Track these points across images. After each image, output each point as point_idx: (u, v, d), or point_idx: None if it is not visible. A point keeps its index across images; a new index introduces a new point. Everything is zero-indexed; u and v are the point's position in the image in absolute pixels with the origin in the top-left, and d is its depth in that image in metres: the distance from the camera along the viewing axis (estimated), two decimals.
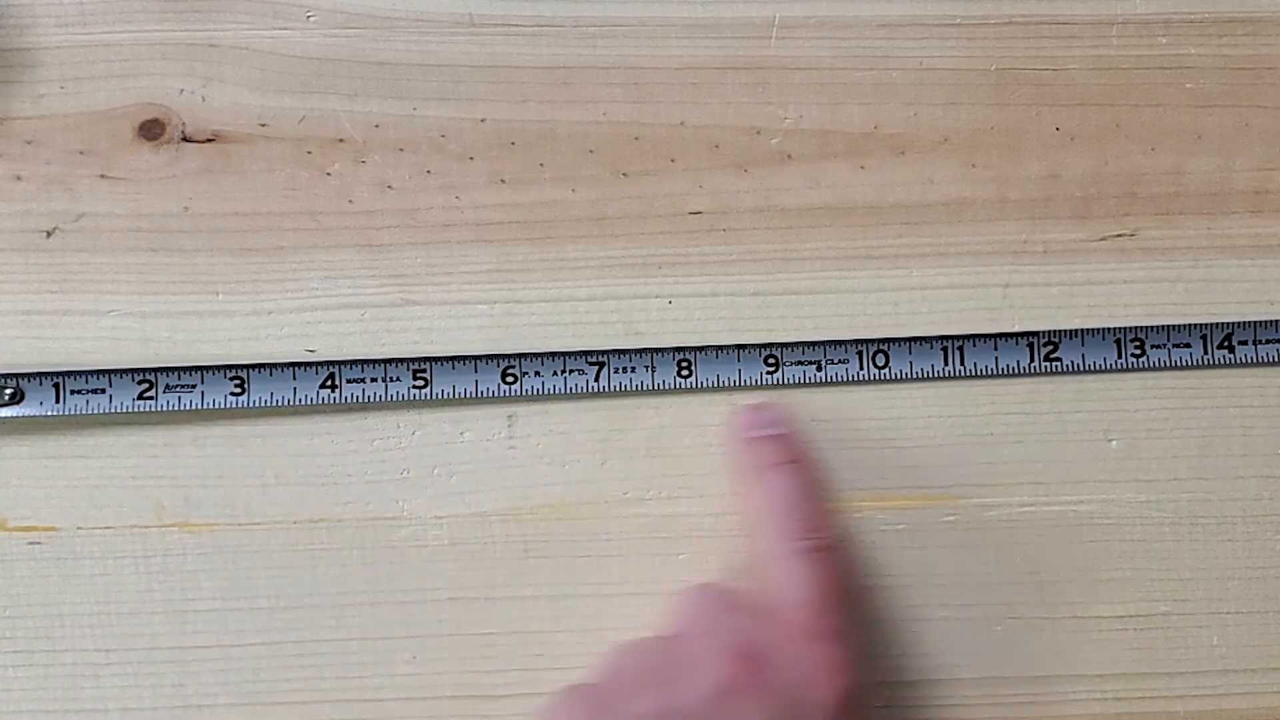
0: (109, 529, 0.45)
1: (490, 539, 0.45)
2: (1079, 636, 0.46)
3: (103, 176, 0.45)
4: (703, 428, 0.46)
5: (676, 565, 0.46)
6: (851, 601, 0.43)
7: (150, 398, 0.44)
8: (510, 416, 0.46)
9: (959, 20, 0.46)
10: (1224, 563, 0.46)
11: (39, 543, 0.45)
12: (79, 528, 0.45)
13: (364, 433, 0.45)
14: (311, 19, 0.46)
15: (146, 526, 0.45)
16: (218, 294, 0.45)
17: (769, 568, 0.43)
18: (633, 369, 0.45)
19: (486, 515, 0.45)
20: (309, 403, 0.45)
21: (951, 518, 0.46)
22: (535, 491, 0.46)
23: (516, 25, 0.46)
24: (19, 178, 0.45)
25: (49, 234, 0.45)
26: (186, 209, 0.45)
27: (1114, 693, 0.46)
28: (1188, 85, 0.47)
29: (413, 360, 0.45)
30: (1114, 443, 0.46)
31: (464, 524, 0.45)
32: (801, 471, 0.44)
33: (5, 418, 0.44)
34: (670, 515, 0.46)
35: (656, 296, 0.46)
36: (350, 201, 0.46)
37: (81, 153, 0.45)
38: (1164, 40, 0.47)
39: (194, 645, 0.45)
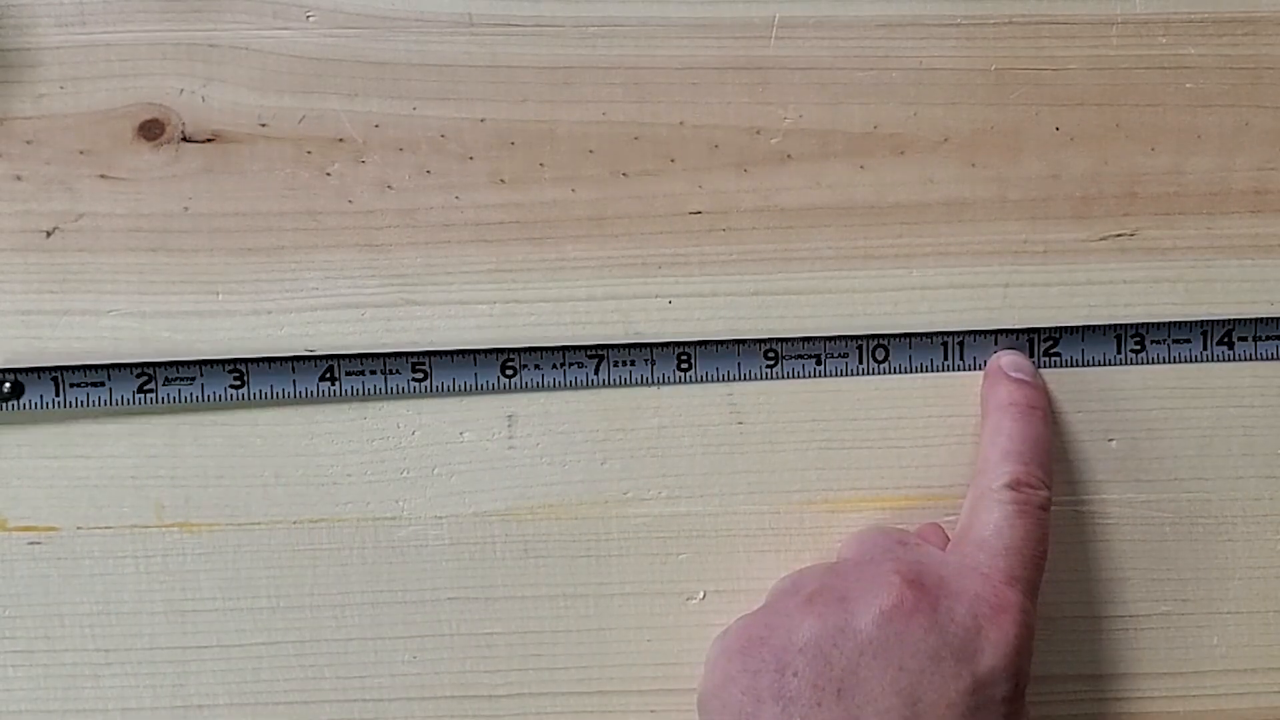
0: (109, 529, 0.45)
1: (490, 539, 0.45)
2: (1079, 636, 0.46)
3: (103, 176, 0.45)
4: (703, 428, 0.46)
5: (676, 565, 0.46)
6: (1042, 570, 0.42)
7: (150, 391, 0.44)
8: (510, 417, 0.46)
9: (959, 20, 0.46)
10: (1224, 563, 0.46)
11: (39, 543, 0.45)
12: (79, 528, 0.45)
13: (364, 433, 0.45)
14: (311, 19, 0.46)
15: (146, 526, 0.45)
16: (218, 294, 0.45)
17: (978, 506, 0.43)
18: (632, 362, 0.45)
19: (486, 515, 0.45)
20: (308, 396, 0.45)
21: (952, 518, 0.46)
22: (535, 491, 0.46)
23: (516, 25, 0.46)
24: (19, 178, 0.45)
25: (49, 234, 0.45)
26: (186, 209, 0.45)
27: (1114, 693, 0.46)
28: (1188, 85, 0.47)
29: (412, 354, 0.45)
30: (1114, 443, 0.46)
31: (464, 524, 0.45)
32: (1044, 424, 0.44)
33: (5, 411, 0.44)
34: (670, 515, 0.46)
35: (656, 296, 0.46)
36: (350, 201, 0.46)
37: (81, 153, 0.45)
38: (1164, 40, 0.47)
39: (194, 645, 0.45)
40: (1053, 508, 0.44)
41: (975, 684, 0.39)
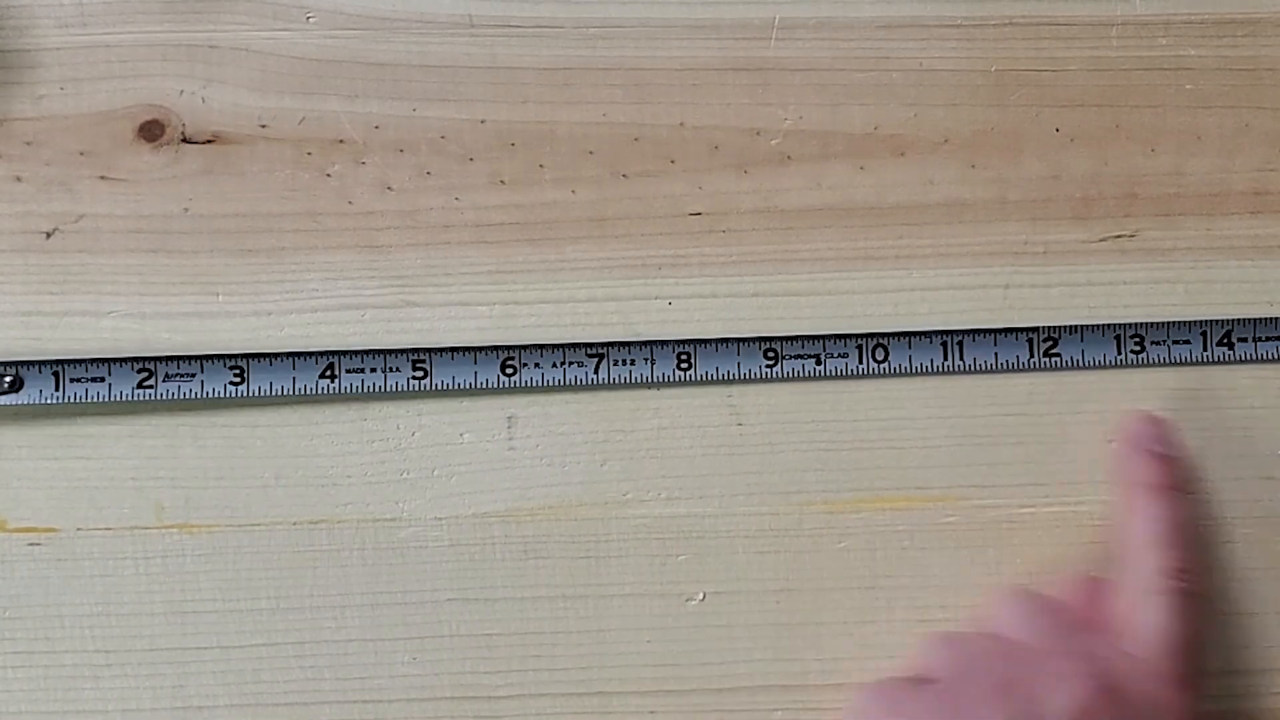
0: (109, 529, 0.45)
1: (490, 540, 0.45)
2: None
3: (103, 177, 0.45)
4: (703, 429, 0.46)
5: (676, 566, 0.46)
6: (1204, 654, 0.42)
7: (150, 387, 0.44)
8: (510, 418, 0.46)
9: (959, 21, 0.46)
10: (1224, 564, 0.46)
11: (39, 543, 0.45)
12: (79, 528, 0.45)
13: (364, 434, 0.45)
14: (311, 20, 0.46)
15: (146, 527, 0.45)
16: (218, 295, 0.45)
17: (1133, 599, 0.42)
18: (632, 361, 0.45)
19: (486, 516, 0.45)
20: (308, 392, 0.45)
21: (951, 518, 0.46)
22: (535, 492, 0.46)
23: (516, 26, 0.46)
24: (19, 179, 0.45)
25: (49, 235, 0.45)
26: (186, 210, 0.45)
27: None
28: (1187, 86, 0.47)
29: (412, 351, 0.45)
30: (1114, 443, 0.46)
31: (464, 525, 0.45)
32: (1185, 504, 0.43)
33: (4, 405, 0.44)
34: (670, 515, 0.46)
35: (656, 298, 0.46)
36: (350, 202, 0.46)
37: (81, 154, 0.45)
38: (1164, 41, 0.47)
39: (194, 646, 0.45)
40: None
41: None
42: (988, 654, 0.41)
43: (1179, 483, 0.44)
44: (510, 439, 0.45)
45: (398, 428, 0.45)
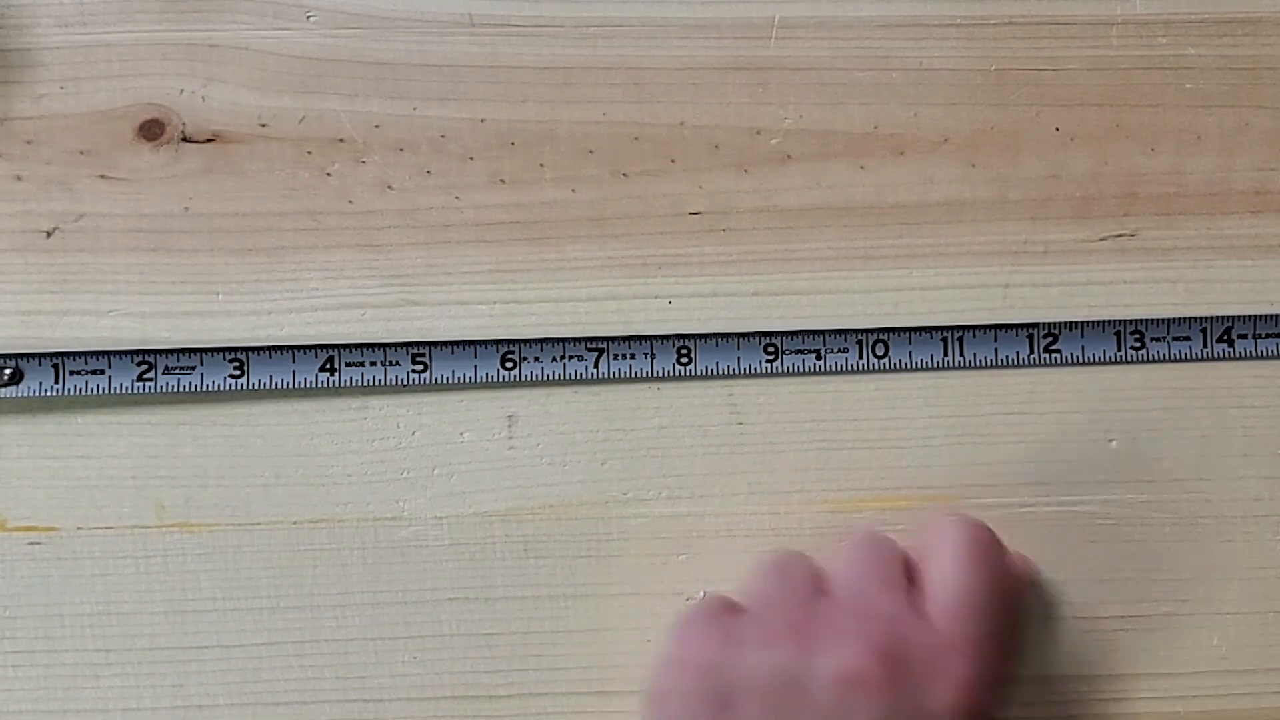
0: (109, 529, 0.45)
1: (490, 539, 0.45)
2: (1079, 636, 0.46)
3: (103, 176, 0.45)
4: (703, 428, 0.46)
5: (676, 565, 0.46)
6: (1008, 626, 0.42)
7: (149, 379, 0.44)
8: (510, 417, 0.46)
9: (959, 20, 0.46)
10: (1224, 563, 0.46)
11: (39, 543, 0.45)
12: (79, 528, 0.45)
13: (364, 433, 0.45)
14: (311, 19, 0.46)
15: (146, 526, 0.45)
16: (218, 294, 0.45)
17: (937, 557, 0.42)
18: (632, 356, 0.45)
19: (487, 515, 0.45)
20: (308, 386, 0.45)
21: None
22: (535, 491, 0.46)
23: (516, 25, 0.46)
24: (19, 178, 0.45)
25: (49, 234, 0.45)
26: (186, 209, 0.45)
27: (1114, 693, 0.46)
28: (1188, 85, 0.47)
29: (412, 344, 0.45)
30: (1114, 443, 0.46)
31: (464, 524, 0.45)
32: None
33: (5, 399, 0.44)
34: (670, 515, 0.46)
35: (656, 297, 0.46)
36: (350, 202, 0.46)
37: (81, 153, 0.45)
38: (1164, 40, 0.47)
39: (194, 645, 0.45)
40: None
41: None
42: (791, 592, 0.41)
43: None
44: (510, 438, 0.45)
45: (398, 426, 0.45)
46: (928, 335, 0.46)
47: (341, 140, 0.46)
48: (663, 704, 0.41)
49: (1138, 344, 0.46)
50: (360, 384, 0.45)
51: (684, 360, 0.45)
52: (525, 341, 0.45)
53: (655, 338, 0.46)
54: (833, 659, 0.39)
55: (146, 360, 0.44)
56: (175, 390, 0.44)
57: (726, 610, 0.42)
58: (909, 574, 0.42)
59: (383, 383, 0.45)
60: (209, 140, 0.45)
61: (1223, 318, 0.46)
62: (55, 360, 0.44)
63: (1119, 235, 0.46)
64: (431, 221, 0.46)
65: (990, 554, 0.42)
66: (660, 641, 0.42)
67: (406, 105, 0.46)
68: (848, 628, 0.40)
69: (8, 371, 0.44)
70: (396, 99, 0.46)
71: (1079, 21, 0.47)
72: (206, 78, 0.45)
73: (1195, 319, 0.46)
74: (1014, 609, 0.43)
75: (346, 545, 0.45)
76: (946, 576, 0.41)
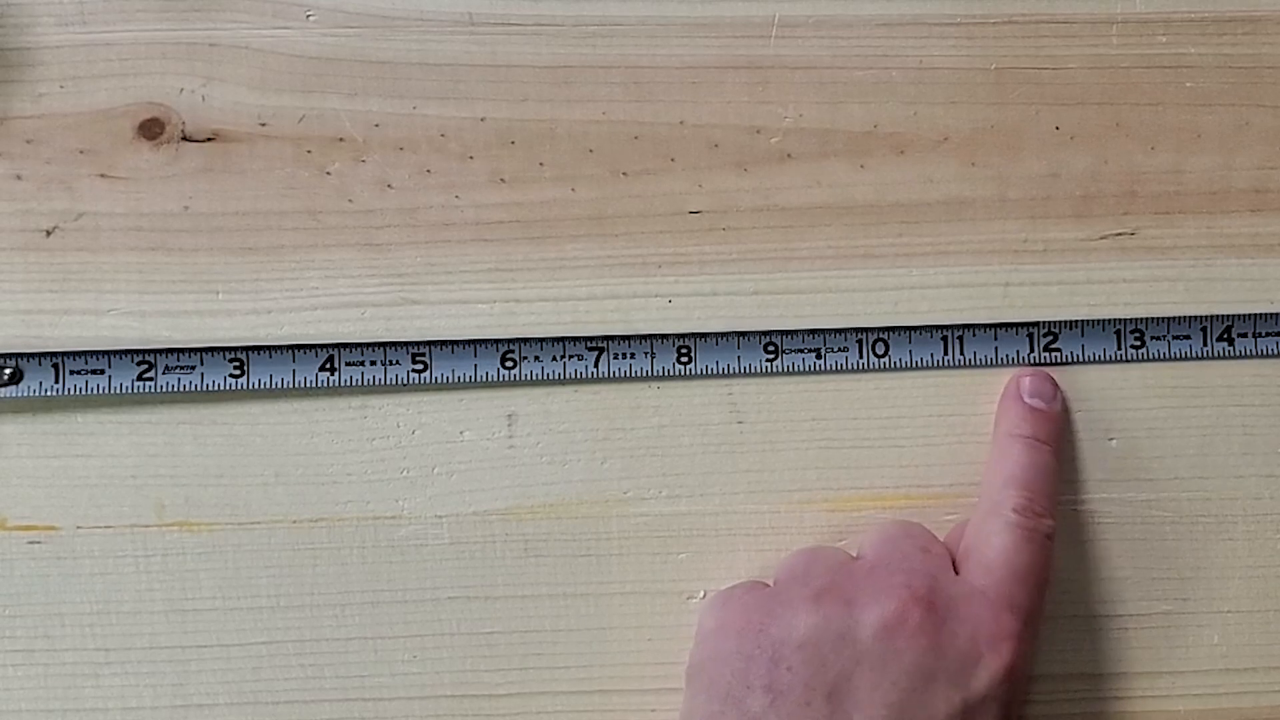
0: (109, 529, 0.45)
1: (490, 538, 0.45)
2: (1079, 636, 0.46)
3: (103, 176, 0.45)
4: (703, 427, 0.46)
5: (676, 565, 0.46)
6: (1043, 597, 0.43)
7: (150, 379, 0.44)
8: (510, 416, 0.46)
9: (959, 20, 0.46)
10: (1224, 562, 0.46)
11: (39, 542, 0.45)
12: (79, 527, 0.45)
13: (364, 432, 0.45)
14: (311, 18, 0.46)
15: (146, 526, 0.45)
16: (218, 293, 0.45)
17: (983, 529, 0.43)
18: (632, 355, 0.45)
19: (487, 514, 0.45)
20: (308, 385, 0.45)
21: (952, 518, 0.46)
22: (535, 491, 0.46)
23: (516, 25, 0.46)
24: (19, 177, 0.45)
25: (49, 233, 0.45)
26: (186, 208, 0.45)
27: (1114, 693, 0.46)
28: (1188, 85, 0.47)
29: (412, 344, 0.45)
30: (1114, 442, 0.46)
31: (464, 523, 0.45)
32: (1052, 456, 0.44)
33: (5, 399, 0.44)
34: (670, 515, 0.46)
35: (656, 296, 0.46)
36: (350, 201, 0.46)
37: (81, 152, 0.45)
38: (1164, 40, 0.47)
39: (194, 645, 0.45)
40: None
41: (965, 708, 0.39)
42: (824, 564, 0.42)
43: (1046, 436, 0.44)
44: (510, 436, 0.45)
45: (398, 425, 0.45)
46: (928, 334, 0.46)
47: (341, 139, 0.46)
48: (708, 671, 0.41)
49: (1138, 343, 0.46)
50: (360, 383, 0.45)
51: (684, 360, 0.46)
52: (525, 341, 0.45)
53: (655, 337, 0.46)
54: (876, 608, 0.40)
55: (146, 360, 0.44)
56: (175, 390, 0.44)
57: (760, 586, 0.43)
58: (943, 549, 0.43)
59: (383, 382, 0.45)
60: (209, 139, 0.45)
61: (1223, 316, 0.46)
62: (55, 360, 0.44)
63: (1119, 234, 0.46)
64: (431, 220, 0.46)
65: (1032, 532, 0.42)
66: (696, 618, 0.43)
67: (406, 104, 0.46)
68: (890, 580, 0.41)
69: (8, 371, 0.44)
70: (396, 98, 0.46)
71: (1079, 21, 0.47)
72: (206, 77, 0.45)
73: (1195, 318, 0.46)
74: (1045, 583, 0.43)
75: (346, 544, 0.45)
76: (993, 543, 0.42)
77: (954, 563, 0.43)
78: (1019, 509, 0.42)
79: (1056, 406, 0.45)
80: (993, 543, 0.42)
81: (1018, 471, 0.43)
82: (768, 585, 0.43)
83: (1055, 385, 0.45)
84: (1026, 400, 0.45)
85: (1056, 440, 0.45)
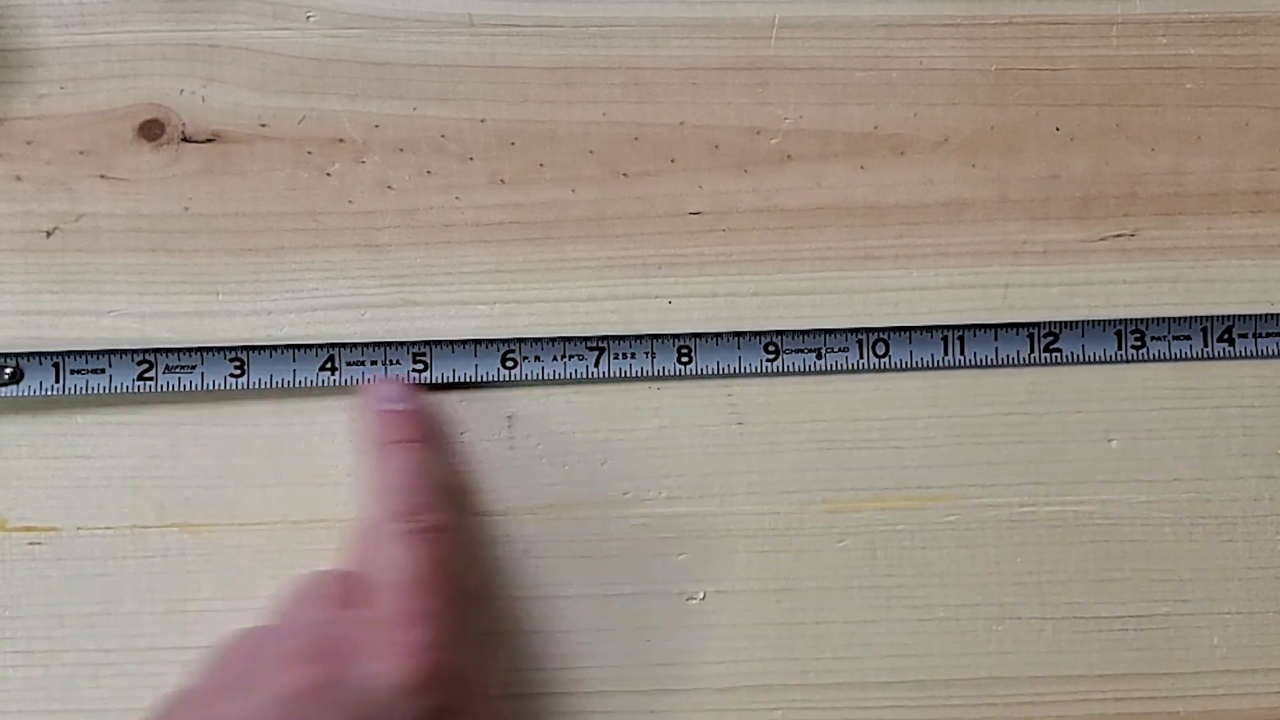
0: (109, 529, 0.45)
1: (490, 539, 0.45)
2: (1079, 636, 0.46)
3: (103, 177, 0.45)
4: (703, 428, 0.46)
5: (676, 565, 0.46)
6: (457, 583, 0.42)
7: (150, 379, 0.44)
8: (510, 417, 0.46)
9: (959, 20, 0.46)
10: (1224, 563, 0.46)
11: (39, 543, 0.45)
12: (79, 528, 0.45)
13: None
14: (311, 19, 0.46)
15: (146, 526, 0.45)
16: (218, 294, 0.45)
17: (370, 549, 0.42)
18: (632, 355, 0.45)
19: (487, 515, 0.45)
20: (308, 385, 0.45)
21: (952, 518, 0.46)
22: (535, 491, 0.46)
23: (516, 25, 0.46)
24: (19, 178, 0.45)
25: (49, 234, 0.45)
26: (186, 209, 0.45)
27: (1114, 693, 0.46)
28: (1188, 85, 0.47)
29: (413, 343, 0.45)
30: (1114, 443, 0.46)
31: (464, 523, 0.45)
32: (419, 451, 0.43)
33: (5, 399, 0.44)
34: (670, 514, 0.46)
35: (656, 297, 0.46)
36: (350, 202, 0.46)
37: (81, 153, 0.45)
38: (1164, 40, 0.47)
39: (194, 645, 0.45)
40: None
41: None
42: (238, 647, 0.40)
43: (411, 433, 0.43)
44: (510, 438, 0.45)
45: None
46: (928, 335, 0.46)
47: (341, 140, 0.46)
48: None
49: (1138, 343, 0.46)
50: (361, 383, 0.45)
51: (684, 360, 0.46)
52: (525, 341, 0.45)
53: (655, 337, 0.46)
54: (272, 688, 0.38)
55: (147, 360, 0.44)
56: (175, 390, 0.44)
57: (178, 692, 0.40)
58: (348, 586, 0.41)
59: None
60: (209, 140, 0.45)
61: (1223, 317, 0.46)
62: (55, 360, 0.44)
63: (1119, 235, 0.46)
64: (431, 221, 0.46)
65: (415, 534, 0.41)
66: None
67: (406, 105, 0.46)
68: (283, 651, 0.39)
69: (8, 371, 0.44)
70: (396, 99, 0.46)
71: (1079, 21, 0.47)
72: (206, 78, 0.45)
73: (1196, 318, 0.46)
74: (457, 570, 0.42)
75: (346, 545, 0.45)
76: (380, 561, 0.41)
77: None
78: (397, 515, 0.41)
79: (413, 404, 0.44)
80: (380, 561, 0.41)
81: (388, 479, 0.42)
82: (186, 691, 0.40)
83: (405, 385, 0.44)
84: (378, 407, 0.44)
85: (424, 433, 0.44)
